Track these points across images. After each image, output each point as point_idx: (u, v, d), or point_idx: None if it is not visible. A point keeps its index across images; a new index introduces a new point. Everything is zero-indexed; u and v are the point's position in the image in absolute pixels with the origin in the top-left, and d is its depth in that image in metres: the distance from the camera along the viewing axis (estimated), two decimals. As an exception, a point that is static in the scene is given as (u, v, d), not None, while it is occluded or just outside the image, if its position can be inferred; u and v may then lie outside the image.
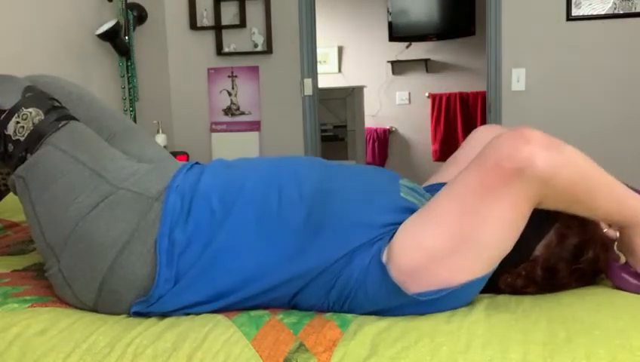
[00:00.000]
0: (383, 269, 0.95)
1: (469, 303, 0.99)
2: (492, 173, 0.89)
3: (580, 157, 0.91)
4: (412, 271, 0.92)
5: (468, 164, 0.95)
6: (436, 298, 0.93)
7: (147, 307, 1.02)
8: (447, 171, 1.32)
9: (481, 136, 1.31)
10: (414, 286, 0.93)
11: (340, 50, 6.30)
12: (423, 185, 1.31)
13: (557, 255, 1.01)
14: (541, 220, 1.02)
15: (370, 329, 0.90)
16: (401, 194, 1.07)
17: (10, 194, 1.39)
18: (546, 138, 0.88)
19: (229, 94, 4.04)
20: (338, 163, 1.18)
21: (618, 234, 1.02)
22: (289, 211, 1.02)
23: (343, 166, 1.15)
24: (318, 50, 4.14)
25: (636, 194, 0.98)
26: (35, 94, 1.22)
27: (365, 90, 5.62)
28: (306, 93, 3.93)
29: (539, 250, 1.01)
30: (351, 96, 5.28)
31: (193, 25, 3.97)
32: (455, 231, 0.91)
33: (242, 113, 4.04)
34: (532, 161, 0.86)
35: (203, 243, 1.02)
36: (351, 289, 0.98)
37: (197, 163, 1.21)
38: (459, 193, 0.93)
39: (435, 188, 1.23)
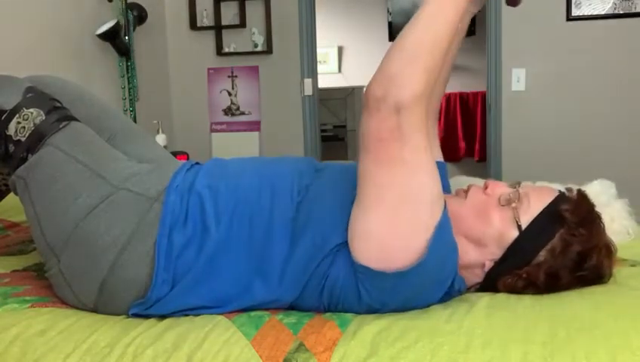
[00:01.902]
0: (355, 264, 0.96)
1: (469, 303, 0.99)
2: (380, 146, 0.92)
3: (402, 52, 0.92)
4: (375, 259, 0.94)
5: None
6: (413, 268, 0.92)
7: (145, 309, 1.03)
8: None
9: None
10: (388, 267, 0.93)
11: (340, 50, 6.30)
12: None
13: (561, 263, 1.00)
14: (545, 226, 1.01)
15: (370, 329, 0.90)
16: None
17: (11, 195, 1.39)
18: (380, 84, 0.91)
19: (229, 94, 4.04)
20: (328, 164, 1.18)
21: None
22: (281, 213, 1.03)
23: (330, 167, 1.15)
24: (318, 50, 4.14)
25: None
26: (36, 95, 1.22)
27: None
28: (306, 93, 3.93)
29: (542, 255, 1.01)
30: (351, 96, 5.28)
31: (193, 25, 3.98)
32: (383, 207, 0.93)
33: (242, 113, 4.05)
34: (395, 109, 0.89)
35: (199, 245, 1.03)
36: (340, 289, 0.98)
37: (197, 163, 1.21)
38: (367, 178, 0.95)
39: None
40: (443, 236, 0.95)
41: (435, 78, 0.93)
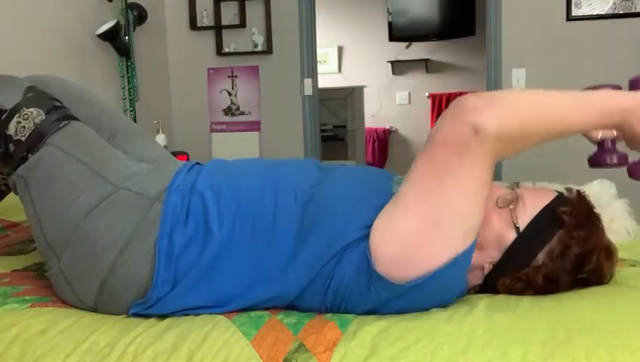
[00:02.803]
0: (369, 264, 0.95)
1: (469, 304, 0.99)
2: (441, 150, 0.91)
3: (517, 96, 0.91)
4: (392, 260, 0.93)
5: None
6: (422, 282, 0.92)
7: (146, 309, 1.03)
8: None
9: None
10: (399, 275, 0.93)
11: (340, 50, 6.30)
12: None
13: (560, 267, 1.00)
14: (543, 228, 1.00)
15: (370, 329, 0.90)
16: (394, 191, 1.07)
17: (11, 194, 1.39)
18: (479, 99, 0.89)
19: (229, 94, 4.04)
20: (333, 165, 1.18)
21: (615, 132, 0.99)
22: (285, 215, 1.03)
23: (338, 168, 1.15)
24: (318, 50, 4.14)
25: (603, 90, 0.96)
26: (36, 94, 1.22)
27: (365, 90, 5.62)
28: (306, 93, 3.93)
29: (541, 257, 1.00)
30: (351, 96, 5.28)
31: (193, 25, 3.97)
32: (422, 213, 0.92)
33: (242, 113, 4.05)
34: (475, 127, 0.87)
35: (200, 245, 1.02)
36: (345, 288, 0.98)
37: (197, 163, 1.21)
38: (417, 177, 0.94)
39: None
40: (460, 266, 0.95)
41: (520, 143, 0.91)
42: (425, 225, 0.92)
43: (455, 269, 0.94)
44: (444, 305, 0.99)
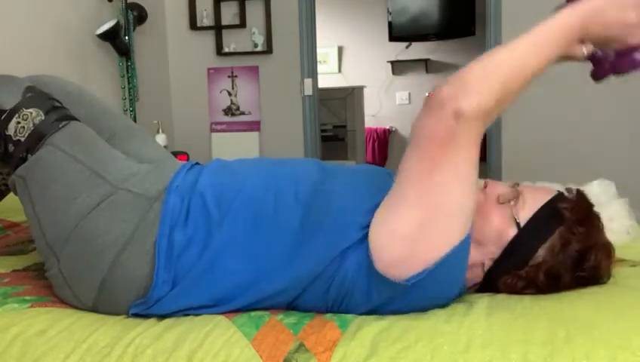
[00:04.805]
0: (371, 264, 0.95)
1: (469, 303, 0.99)
2: (430, 147, 0.91)
3: (482, 66, 0.91)
4: (396, 260, 0.93)
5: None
6: (423, 278, 0.92)
7: (146, 309, 1.03)
8: None
9: None
10: (400, 272, 0.93)
11: (340, 50, 6.30)
12: None
13: (560, 263, 1.00)
14: (544, 223, 1.01)
15: (370, 329, 0.90)
16: None
17: (11, 195, 1.39)
18: (451, 86, 0.90)
19: (229, 94, 4.04)
20: (335, 164, 1.18)
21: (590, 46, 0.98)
22: (285, 214, 1.03)
23: (339, 167, 1.15)
24: (318, 50, 4.14)
25: (547, 21, 0.94)
26: (36, 94, 1.22)
27: (365, 90, 5.62)
28: (306, 93, 3.93)
29: (541, 253, 1.01)
30: (351, 96, 5.28)
31: (193, 25, 3.98)
32: (421, 207, 0.92)
33: (242, 113, 4.05)
34: (456, 115, 0.88)
35: (201, 245, 1.02)
36: (347, 288, 0.98)
37: (197, 163, 1.21)
38: (410, 173, 0.94)
39: None
40: (458, 257, 0.95)
41: (503, 104, 0.92)
42: (423, 220, 0.92)
43: (454, 260, 0.94)
44: (444, 303, 0.99)
